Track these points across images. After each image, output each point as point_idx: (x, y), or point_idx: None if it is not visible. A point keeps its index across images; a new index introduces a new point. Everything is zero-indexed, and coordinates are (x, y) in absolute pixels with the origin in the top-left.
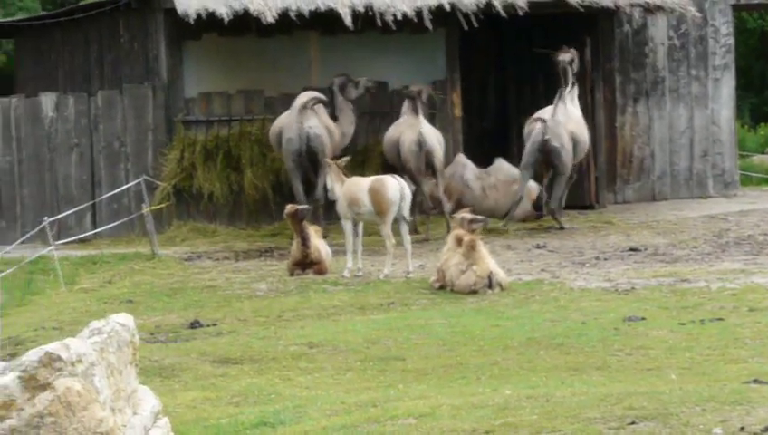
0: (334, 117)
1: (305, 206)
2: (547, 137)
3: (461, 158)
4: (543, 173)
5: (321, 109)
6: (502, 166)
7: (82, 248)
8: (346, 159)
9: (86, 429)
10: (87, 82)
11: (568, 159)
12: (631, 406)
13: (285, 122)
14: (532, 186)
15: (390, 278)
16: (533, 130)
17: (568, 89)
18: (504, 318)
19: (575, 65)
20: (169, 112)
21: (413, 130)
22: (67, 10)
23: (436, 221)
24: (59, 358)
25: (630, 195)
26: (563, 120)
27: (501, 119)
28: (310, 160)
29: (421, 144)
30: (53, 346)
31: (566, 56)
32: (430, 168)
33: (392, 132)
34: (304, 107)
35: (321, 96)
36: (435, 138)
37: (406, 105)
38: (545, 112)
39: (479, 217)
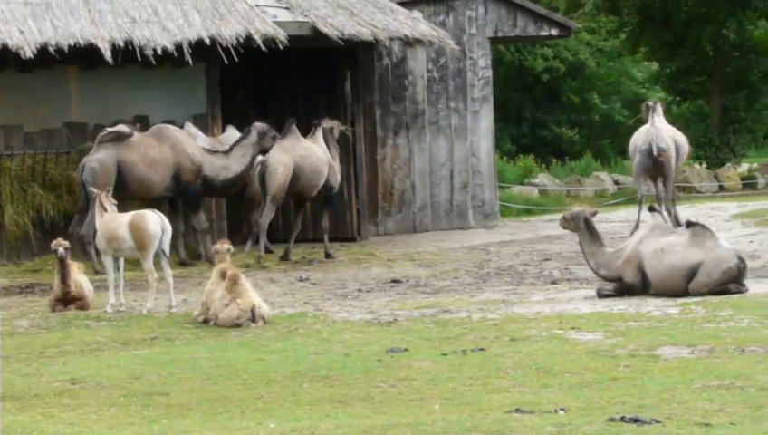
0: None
1: (66, 244)
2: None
3: (190, 127)
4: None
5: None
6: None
7: None
8: (109, 188)
9: None
10: None
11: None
12: None
13: None
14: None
15: (154, 313)
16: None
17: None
18: (267, 351)
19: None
20: None
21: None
22: None
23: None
24: None
25: (392, 227)
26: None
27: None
28: (83, 191)
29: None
30: None
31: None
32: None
33: None
34: (100, 141)
35: (126, 130)
36: (281, 166)
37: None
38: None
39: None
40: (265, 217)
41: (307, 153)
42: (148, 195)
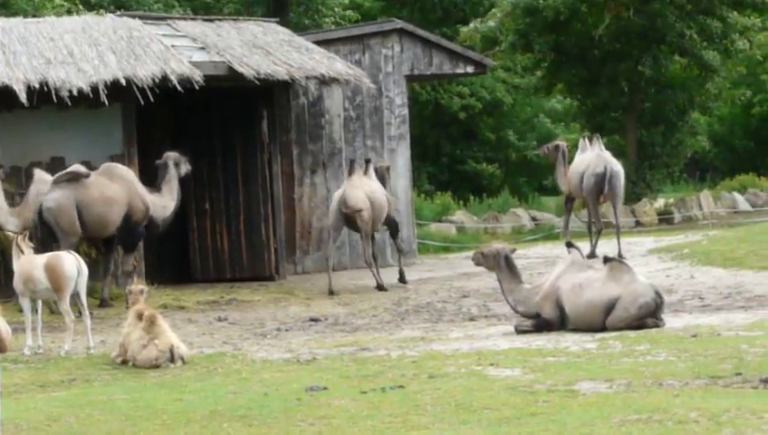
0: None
1: None
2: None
3: (40, 174)
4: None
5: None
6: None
7: None
8: (28, 231)
9: None
10: None
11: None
12: None
13: None
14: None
15: (71, 354)
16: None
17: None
18: (186, 392)
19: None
20: None
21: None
22: None
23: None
24: None
25: (310, 265)
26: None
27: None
28: (44, 231)
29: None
30: None
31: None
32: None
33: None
34: (56, 181)
35: (82, 171)
36: (359, 197)
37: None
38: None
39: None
40: (369, 251)
41: (372, 190)
42: (103, 234)
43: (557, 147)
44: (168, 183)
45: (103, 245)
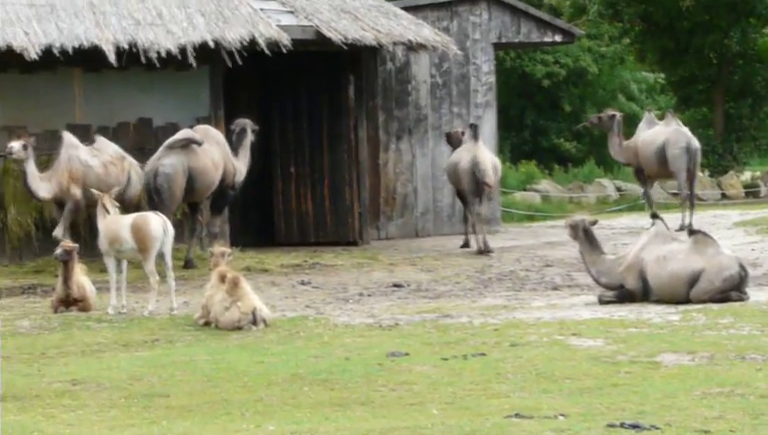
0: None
1: (69, 246)
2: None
3: (69, 138)
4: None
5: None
6: (106, 143)
7: None
8: (116, 189)
9: None
10: None
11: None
12: None
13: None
14: None
15: (155, 315)
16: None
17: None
18: (268, 354)
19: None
20: None
21: (470, 153)
22: None
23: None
24: None
25: (394, 231)
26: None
27: (264, 156)
28: (156, 197)
29: (474, 166)
30: None
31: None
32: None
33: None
34: (170, 146)
35: (197, 138)
36: (489, 162)
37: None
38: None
39: (229, 250)
40: (480, 215)
41: (492, 155)
42: (202, 198)
43: (612, 116)
44: (243, 148)
45: (188, 206)
